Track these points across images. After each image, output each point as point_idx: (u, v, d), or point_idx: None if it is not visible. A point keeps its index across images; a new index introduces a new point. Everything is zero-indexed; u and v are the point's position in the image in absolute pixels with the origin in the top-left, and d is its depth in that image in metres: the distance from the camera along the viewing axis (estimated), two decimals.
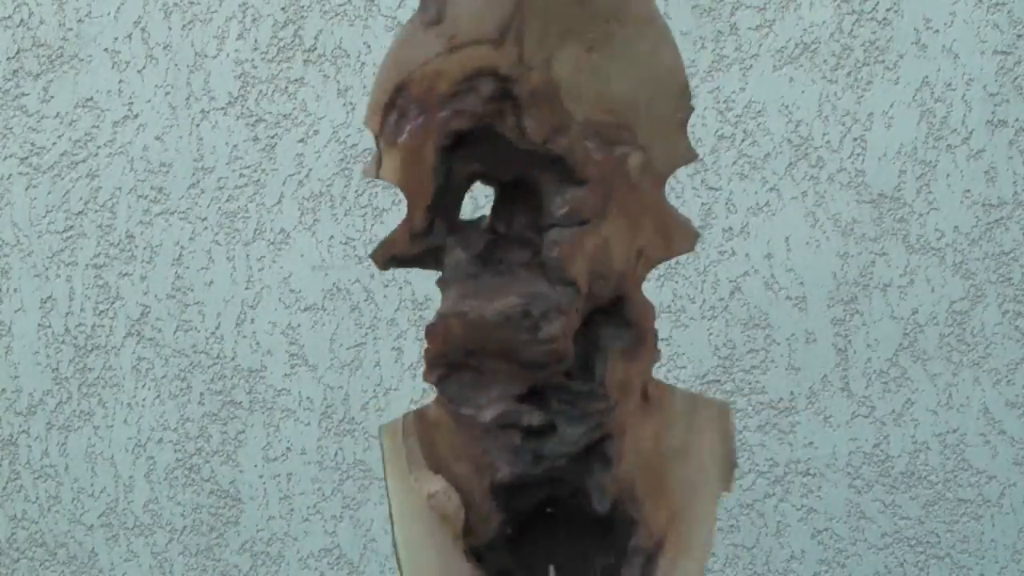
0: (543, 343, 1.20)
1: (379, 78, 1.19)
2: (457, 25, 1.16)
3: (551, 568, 1.29)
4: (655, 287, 2.20)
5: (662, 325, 2.20)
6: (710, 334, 2.19)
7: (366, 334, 2.27)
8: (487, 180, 1.23)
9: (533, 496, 1.25)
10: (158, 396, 2.33)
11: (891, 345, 2.16)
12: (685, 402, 1.27)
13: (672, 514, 1.26)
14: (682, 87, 1.21)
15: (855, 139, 2.16)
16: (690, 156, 1.22)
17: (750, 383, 2.18)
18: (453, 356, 1.21)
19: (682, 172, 2.20)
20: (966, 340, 2.15)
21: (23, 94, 2.38)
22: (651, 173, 1.21)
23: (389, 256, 1.21)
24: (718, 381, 2.19)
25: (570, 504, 1.26)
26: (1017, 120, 2.13)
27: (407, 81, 1.18)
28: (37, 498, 2.39)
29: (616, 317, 1.23)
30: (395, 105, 1.19)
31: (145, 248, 2.34)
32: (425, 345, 1.26)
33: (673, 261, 2.20)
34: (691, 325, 2.19)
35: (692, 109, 1.22)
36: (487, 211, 1.31)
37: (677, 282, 2.19)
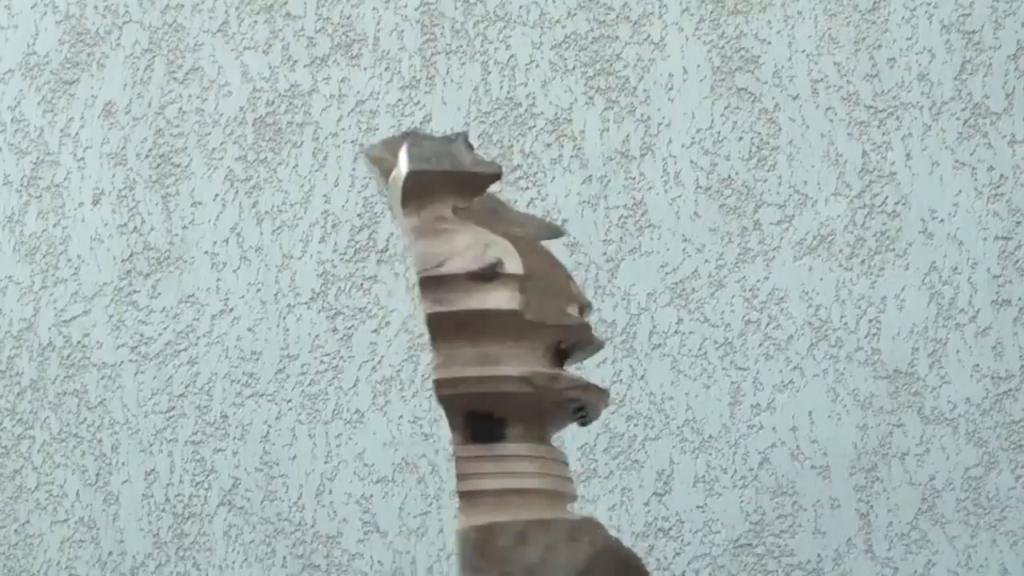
0: None
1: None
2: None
3: None
4: (690, 459, 2.12)
5: (697, 494, 2.11)
6: (742, 502, 2.09)
7: (431, 503, 2.20)
8: None
9: None
10: (246, 559, 2.28)
11: (911, 510, 2.04)
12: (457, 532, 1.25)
13: None
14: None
15: (870, 321, 2.08)
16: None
17: (780, 547, 2.07)
18: None
19: (712, 354, 2.14)
20: (982, 504, 2.02)
21: (134, 291, 2.41)
22: None
23: None
24: (750, 545, 2.08)
25: None
26: (1020, 299, 2.04)
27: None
28: None
29: None
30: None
31: (237, 427, 2.32)
32: None
33: (706, 435, 2.12)
34: (724, 493, 2.09)
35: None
36: None
37: (711, 454, 2.11)
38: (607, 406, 1.45)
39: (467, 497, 1.29)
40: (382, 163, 1.39)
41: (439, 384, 1.32)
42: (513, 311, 1.33)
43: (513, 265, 1.33)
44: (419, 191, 1.35)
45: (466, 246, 1.34)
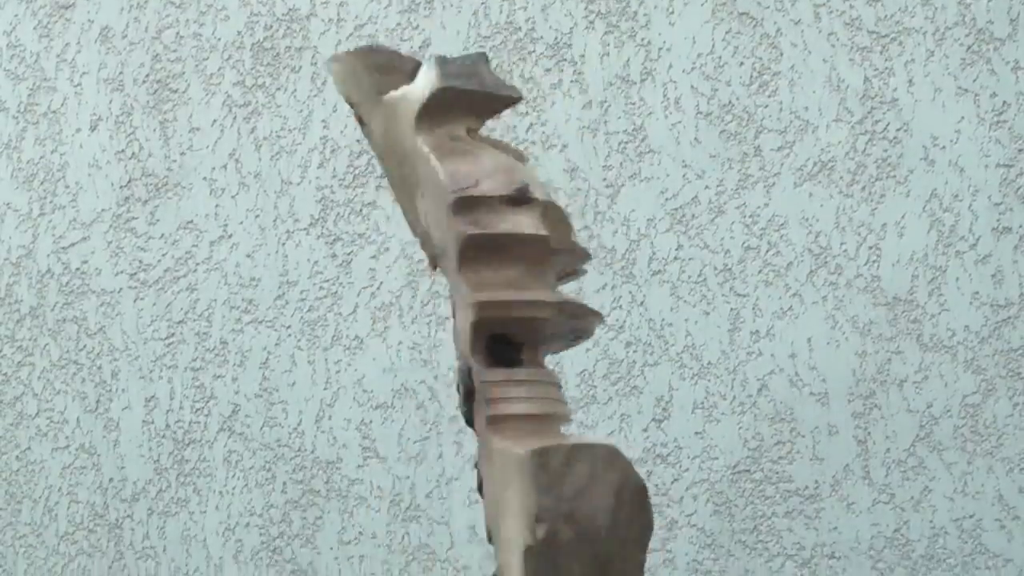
0: None
1: None
2: None
3: None
4: (689, 385, 2.11)
5: (696, 420, 2.11)
6: (740, 428, 2.09)
7: (430, 429, 2.21)
8: None
9: None
10: (246, 485, 2.29)
11: (908, 436, 2.04)
12: (499, 454, 1.27)
13: (501, 567, 1.25)
14: (444, 188, 1.28)
15: (870, 248, 2.07)
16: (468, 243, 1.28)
17: (777, 473, 2.07)
18: None
19: (712, 280, 2.12)
20: (979, 431, 2.02)
21: (133, 218, 2.40)
22: (449, 267, 1.32)
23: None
24: (748, 471, 2.08)
25: None
26: (1021, 227, 2.03)
27: None
28: None
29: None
30: None
31: (236, 353, 2.31)
32: None
33: (705, 362, 2.11)
34: (722, 420, 2.09)
35: (465, 199, 1.28)
36: None
37: (709, 380, 2.10)
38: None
39: (498, 422, 1.30)
40: (354, 73, 1.37)
41: (482, 307, 1.32)
42: (541, 236, 1.33)
43: (539, 191, 1.33)
44: (441, 109, 1.33)
45: (494, 168, 1.33)
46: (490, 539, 1.31)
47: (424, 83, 1.32)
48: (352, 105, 1.39)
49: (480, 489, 1.34)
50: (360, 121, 1.40)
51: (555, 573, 1.24)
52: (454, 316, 1.40)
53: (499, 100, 1.34)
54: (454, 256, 1.32)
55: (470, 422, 1.39)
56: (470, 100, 1.33)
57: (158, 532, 2.35)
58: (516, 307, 1.34)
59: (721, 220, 2.14)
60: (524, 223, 1.34)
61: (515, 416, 1.33)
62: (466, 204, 1.28)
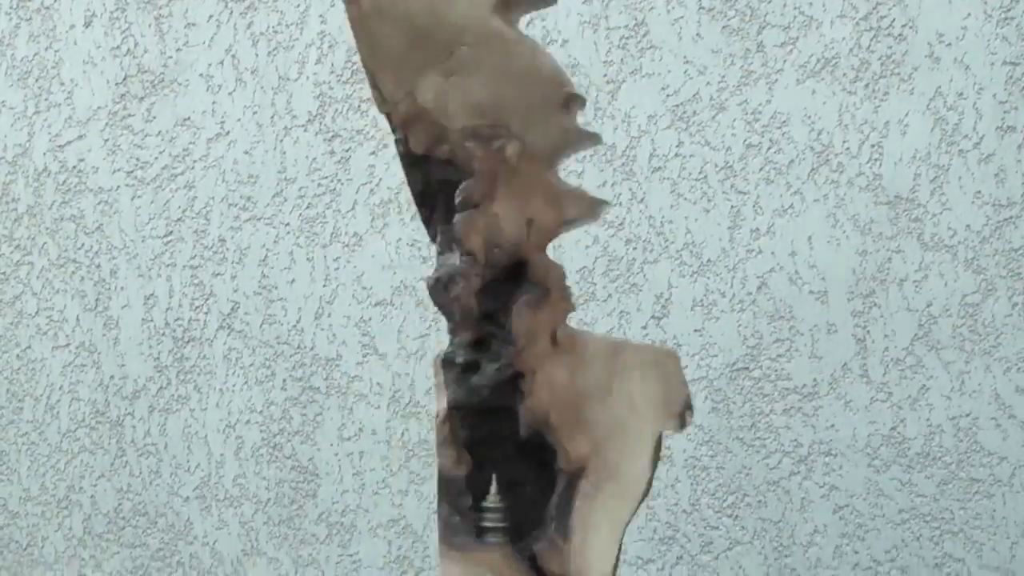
0: (453, 300, 1.36)
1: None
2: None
3: (493, 477, 1.38)
4: (689, 283, 2.10)
5: (695, 318, 2.10)
6: (739, 326, 2.09)
7: (429, 326, 2.20)
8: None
9: (489, 425, 1.37)
10: (246, 382, 2.29)
11: (907, 335, 2.04)
12: (604, 347, 1.36)
13: (594, 444, 1.33)
14: (548, 78, 1.35)
15: (873, 146, 2.05)
16: (577, 135, 1.36)
17: (776, 370, 2.07)
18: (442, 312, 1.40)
19: (713, 178, 2.11)
20: (978, 331, 2.02)
21: (129, 115, 2.37)
22: (533, 156, 1.36)
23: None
24: (747, 369, 2.08)
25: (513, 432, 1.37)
26: None
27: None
28: (140, 473, 2.36)
29: (524, 277, 1.36)
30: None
31: (235, 251, 2.31)
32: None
33: (705, 259, 2.10)
34: (722, 317, 2.09)
35: (570, 92, 1.35)
36: None
37: (709, 278, 2.10)
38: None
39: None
40: None
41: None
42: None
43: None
44: None
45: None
46: (535, 429, 1.36)
47: None
48: None
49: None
50: None
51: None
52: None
53: None
54: (548, 147, 1.34)
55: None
56: None
57: (159, 429, 2.36)
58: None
59: (722, 117, 2.12)
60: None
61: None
62: (571, 100, 1.36)
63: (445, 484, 1.37)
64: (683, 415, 1.34)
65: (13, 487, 2.46)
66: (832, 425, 2.08)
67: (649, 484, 1.33)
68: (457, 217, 1.35)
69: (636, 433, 1.33)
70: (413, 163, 1.36)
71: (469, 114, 1.33)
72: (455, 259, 1.35)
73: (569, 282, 2.18)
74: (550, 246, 1.42)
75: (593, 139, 1.35)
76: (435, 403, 1.39)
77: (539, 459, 1.36)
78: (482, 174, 1.34)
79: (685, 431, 2.13)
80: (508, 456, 1.37)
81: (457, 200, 1.34)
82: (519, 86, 1.33)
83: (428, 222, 1.39)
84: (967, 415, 2.04)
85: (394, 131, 1.36)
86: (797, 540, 2.09)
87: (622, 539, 1.32)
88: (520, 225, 1.35)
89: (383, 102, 1.34)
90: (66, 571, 2.40)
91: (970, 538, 2.03)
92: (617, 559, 1.32)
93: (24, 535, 2.45)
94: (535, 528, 1.37)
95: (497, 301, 1.36)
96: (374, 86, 1.34)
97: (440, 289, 1.35)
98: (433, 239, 1.40)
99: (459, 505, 1.37)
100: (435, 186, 1.37)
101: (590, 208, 1.36)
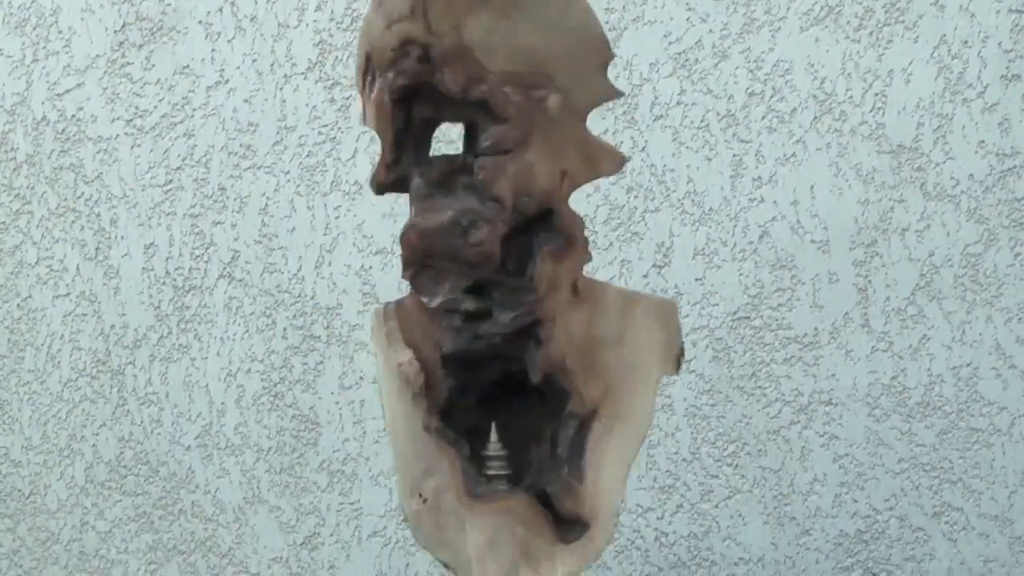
0: (473, 246, 1.34)
1: (357, 50, 1.37)
2: (389, 6, 1.33)
3: (492, 425, 1.40)
4: (690, 231, 2.10)
5: (696, 266, 2.10)
6: (741, 275, 2.08)
7: None
8: (457, 121, 1.39)
9: (488, 371, 1.38)
10: (247, 331, 2.29)
11: (908, 285, 2.03)
12: (619, 297, 1.39)
13: (606, 388, 1.36)
14: (597, 38, 1.34)
15: (876, 94, 2.04)
16: (611, 94, 1.37)
17: (777, 320, 2.07)
18: (416, 258, 1.37)
19: (715, 126, 2.09)
20: (979, 281, 2.01)
21: (128, 63, 2.36)
22: (571, 110, 1.35)
23: (375, 184, 1.39)
24: (748, 318, 2.08)
25: (517, 378, 1.38)
26: None
27: (370, 52, 1.35)
28: (142, 422, 2.36)
29: (548, 226, 1.37)
30: (368, 70, 1.36)
31: (235, 199, 2.30)
32: (400, 250, 1.40)
33: (707, 208, 2.10)
34: (723, 266, 2.08)
35: (612, 55, 1.36)
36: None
37: (710, 227, 2.09)
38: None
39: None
40: None
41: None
42: None
43: None
44: None
45: None
46: (546, 376, 1.39)
47: None
48: None
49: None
50: None
51: None
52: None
53: None
54: (586, 102, 1.35)
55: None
56: None
57: (160, 378, 2.36)
58: None
59: (725, 65, 2.11)
60: None
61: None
62: (610, 63, 1.38)
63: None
64: (678, 359, 1.40)
65: (15, 436, 2.46)
66: (833, 374, 2.08)
67: (651, 423, 1.39)
68: (484, 161, 1.33)
69: (644, 377, 1.37)
70: (401, 99, 1.34)
71: (513, 60, 1.32)
72: (463, 203, 1.34)
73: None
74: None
75: (620, 95, 1.37)
76: (383, 354, 1.37)
77: (509, 405, 1.40)
78: (517, 121, 1.34)
79: (683, 377, 2.13)
80: (481, 402, 1.40)
81: (485, 143, 1.33)
82: (570, 42, 1.33)
83: (393, 163, 1.36)
84: (967, 365, 2.04)
85: (427, 62, 1.32)
86: (797, 489, 2.09)
87: (625, 479, 1.37)
88: (554, 176, 1.35)
89: (427, 32, 1.31)
90: (68, 519, 2.41)
91: (969, 487, 2.03)
92: (623, 496, 1.37)
93: (26, 484, 2.45)
94: (525, 472, 1.39)
95: (507, 249, 1.37)
96: (423, 14, 1.31)
97: (458, 233, 1.33)
98: (395, 185, 1.37)
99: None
100: (417, 127, 1.36)
101: (619, 164, 1.37)
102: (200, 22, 2.30)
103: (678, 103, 2.13)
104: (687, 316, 2.12)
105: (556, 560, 1.36)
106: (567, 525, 1.38)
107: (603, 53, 1.35)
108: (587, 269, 2.17)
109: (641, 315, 1.38)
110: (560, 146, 1.35)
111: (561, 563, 1.36)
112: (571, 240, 1.37)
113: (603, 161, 1.37)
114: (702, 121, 2.12)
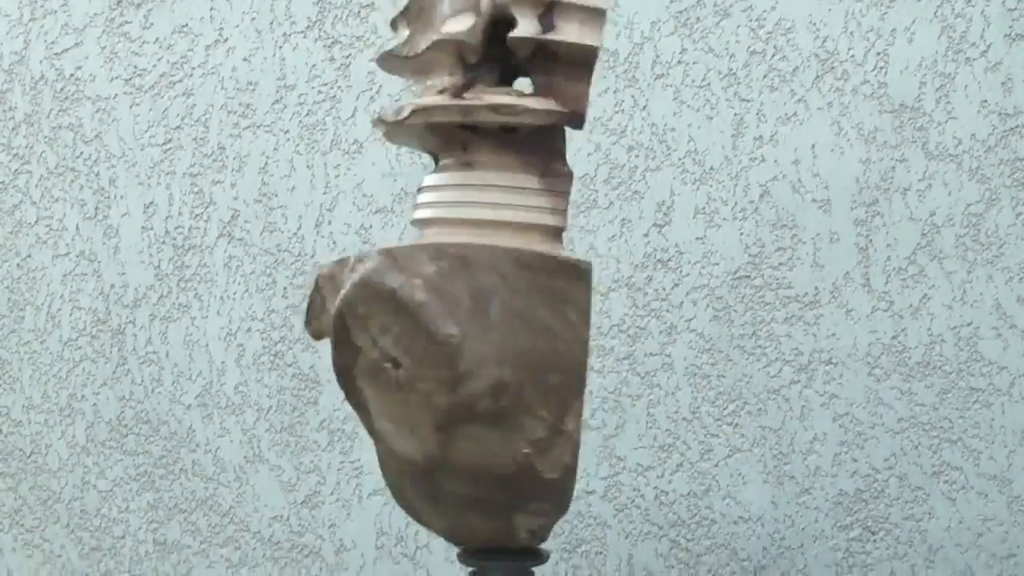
0: None
1: None
2: None
3: None
4: (691, 191, 2.09)
5: (697, 225, 2.09)
6: (741, 234, 2.08)
7: None
8: None
9: None
10: (247, 290, 2.29)
11: (910, 245, 2.03)
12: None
13: None
14: None
15: (878, 53, 2.03)
16: None
17: (778, 279, 2.07)
18: None
19: (716, 85, 2.08)
20: (981, 240, 2.01)
21: (126, 22, 2.34)
22: None
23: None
24: (748, 277, 2.08)
25: None
26: None
27: None
28: (142, 381, 2.36)
29: None
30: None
31: (235, 158, 2.29)
32: None
33: (708, 167, 2.09)
34: (724, 225, 2.08)
35: None
36: None
37: (711, 186, 2.08)
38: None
39: (436, 224, 1.34)
40: None
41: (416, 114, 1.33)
42: None
43: None
44: None
45: None
46: None
47: None
48: None
49: None
50: None
51: None
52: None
53: None
54: None
55: None
56: None
57: (160, 337, 2.36)
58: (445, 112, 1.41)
59: (727, 23, 2.09)
60: None
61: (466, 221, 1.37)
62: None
63: None
64: None
65: (16, 396, 2.46)
66: (833, 334, 2.08)
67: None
68: None
69: None
70: None
71: None
72: None
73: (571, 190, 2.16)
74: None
75: None
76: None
77: None
78: None
79: (683, 336, 2.13)
80: None
81: None
82: None
83: None
84: (968, 324, 2.04)
85: None
86: (796, 448, 2.09)
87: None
88: None
89: None
90: (70, 478, 2.41)
91: (968, 446, 2.03)
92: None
93: (28, 443, 2.46)
94: None
95: None
96: None
97: None
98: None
99: None
100: None
101: None
102: None
103: (679, 62, 2.12)
104: (688, 275, 2.12)
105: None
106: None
107: None
108: (587, 228, 2.17)
109: None
110: None
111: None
112: None
113: None
114: (703, 80, 2.11)
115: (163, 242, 2.35)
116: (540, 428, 1.33)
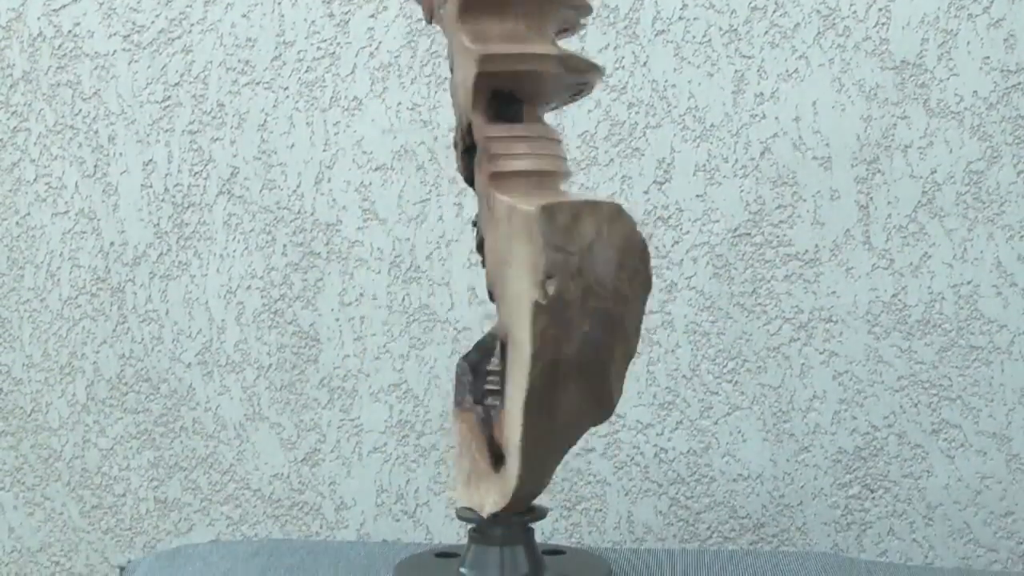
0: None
1: None
2: None
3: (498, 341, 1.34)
4: (691, 148, 2.09)
5: (697, 183, 2.09)
6: (741, 191, 2.07)
7: (430, 191, 2.19)
8: None
9: None
10: (246, 248, 2.28)
11: (910, 202, 2.02)
12: (504, 210, 1.28)
13: (506, 310, 1.28)
14: None
15: (880, 9, 2.02)
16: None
17: (778, 236, 2.06)
18: None
19: (717, 41, 2.07)
20: (981, 198, 2.00)
21: None
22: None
23: None
24: (748, 234, 2.07)
25: None
26: None
27: None
28: (142, 339, 2.36)
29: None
30: None
31: (234, 115, 2.28)
32: None
33: (708, 124, 2.08)
34: (724, 183, 2.07)
35: None
36: None
37: (711, 143, 2.08)
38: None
39: (500, 178, 1.30)
40: None
41: (485, 60, 1.29)
42: None
43: None
44: None
45: None
46: (491, 298, 1.32)
47: None
48: None
49: (480, 249, 1.34)
50: None
51: (564, 329, 1.25)
52: (452, 72, 1.36)
53: None
54: (455, 6, 1.28)
55: (470, 181, 1.38)
56: None
57: (160, 295, 2.36)
58: (520, 60, 1.32)
59: None
60: None
61: (518, 172, 1.32)
62: None
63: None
64: (543, 284, 1.24)
65: (16, 354, 2.47)
66: (833, 292, 2.08)
67: (534, 356, 1.23)
68: None
69: (521, 300, 1.25)
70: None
71: None
72: None
73: (572, 147, 2.16)
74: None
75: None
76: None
77: None
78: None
79: (683, 293, 2.13)
80: None
81: None
82: None
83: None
84: (968, 282, 2.04)
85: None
86: (796, 406, 2.10)
87: (523, 411, 1.26)
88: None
89: None
90: (70, 437, 2.42)
91: (967, 404, 2.04)
92: (522, 431, 1.25)
93: (28, 401, 2.46)
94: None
95: None
96: None
97: None
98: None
99: (469, 366, 1.36)
100: None
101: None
102: None
103: (680, 18, 2.11)
104: (688, 232, 2.12)
105: (490, 485, 1.31)
106: (500, 453, 1.32)
107: None
108: (587, 185, 2.17)
109: (517, 232, 1.26)
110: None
111: (488, 490, 1.32)
112: (481, 153, 1.30)
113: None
114: (704, 36, 2.10)
115: (162, 200, 2.35)
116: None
